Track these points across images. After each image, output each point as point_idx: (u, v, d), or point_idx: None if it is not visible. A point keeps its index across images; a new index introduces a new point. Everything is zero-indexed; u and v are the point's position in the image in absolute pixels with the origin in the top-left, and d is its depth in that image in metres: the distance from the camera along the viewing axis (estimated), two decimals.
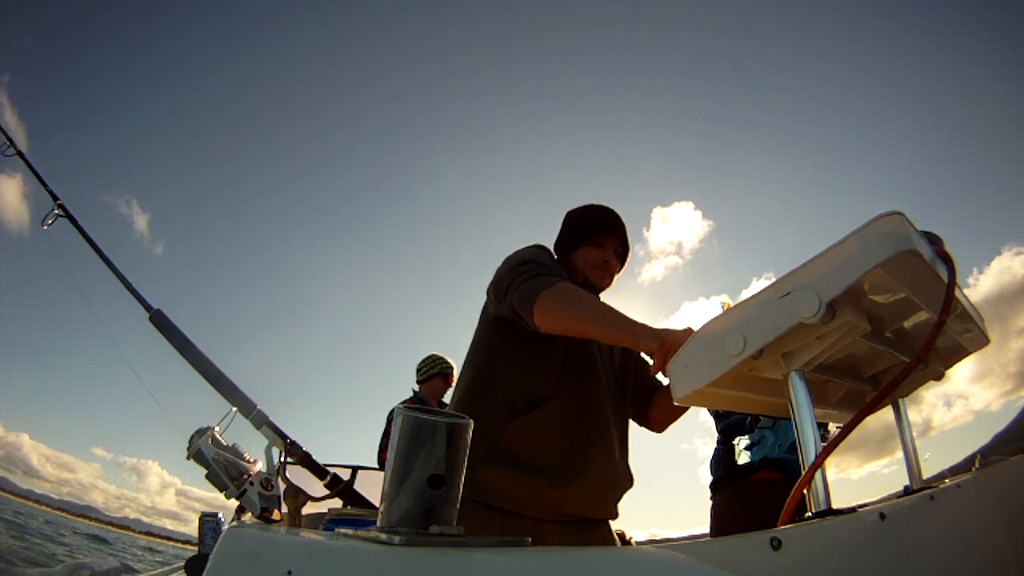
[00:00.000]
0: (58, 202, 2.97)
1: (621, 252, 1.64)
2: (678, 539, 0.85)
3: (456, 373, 3.53)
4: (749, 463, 2.24)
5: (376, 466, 3.50)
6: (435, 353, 3.53)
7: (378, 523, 0.68)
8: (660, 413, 1.59)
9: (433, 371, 3.43)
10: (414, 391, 3.46)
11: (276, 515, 2.19)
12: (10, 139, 3.11)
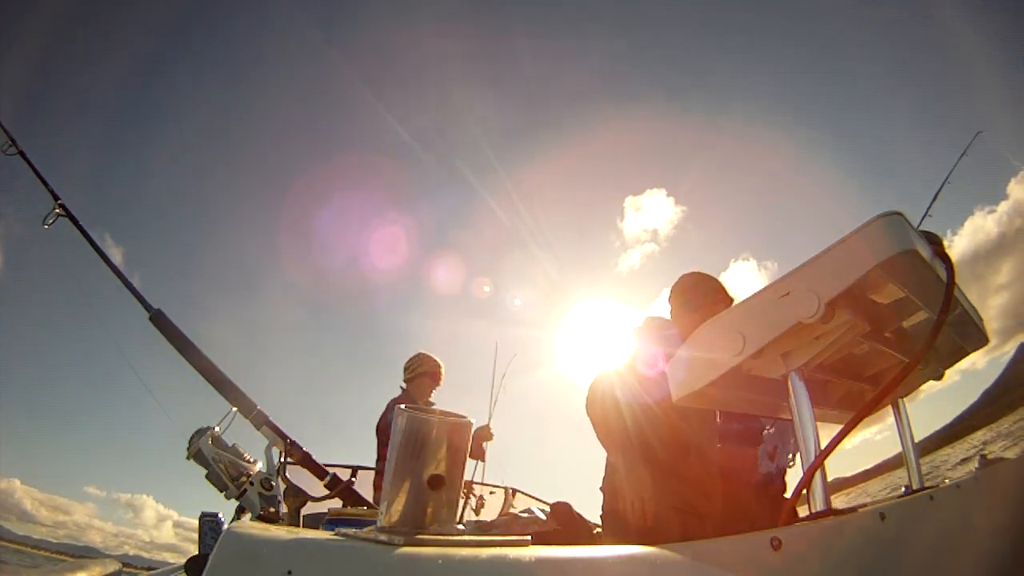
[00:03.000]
0: (59, 201, 2.96)
1: None
2: None
3: (444, 372, 3.53)
4: None
5: (376, 466, 3.49)
6: (423, 352, 3.51)
7: (378, 523, 0.68)
8: None
9: (421, 370, 3.42)
10: (402, 388, 3.45)
11: (276, 515, 2.19)
12: (11, 138, 3.09)
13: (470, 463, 3.53)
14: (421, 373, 3.41)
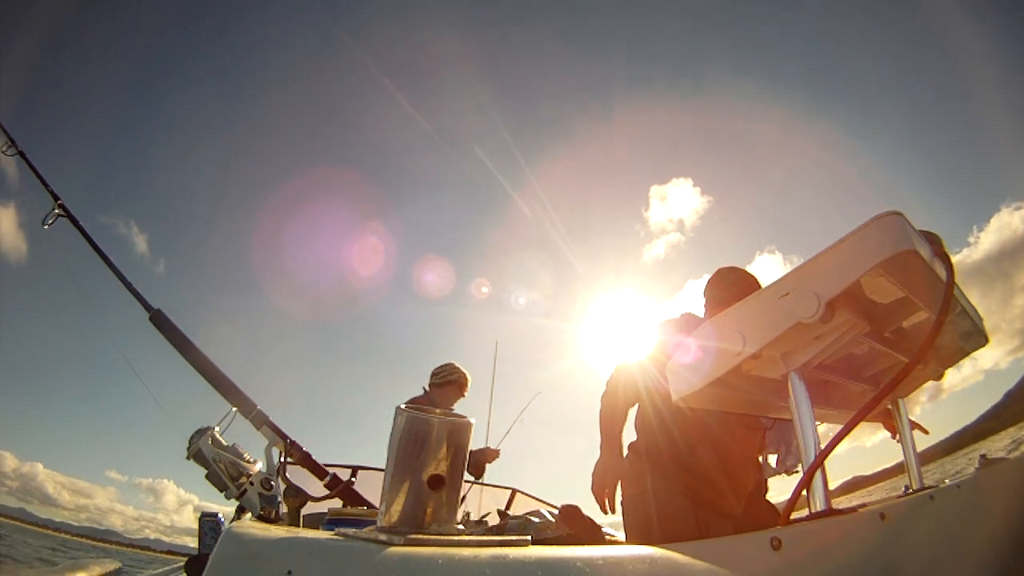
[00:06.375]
0: (59, 202, 2.96)
1: None
2: None
3: (470, 386, 3.58)
4: None
5: (376, 466, 3.49)
6: (453, 362, 3.54)
7: (378, 523, 0.68)
8: None
9: (451, 378, 3.44)
10: (425, 390, 3.46)
11: (276, 515, 2.19)
12: (11, 138, 3.09)
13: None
14: (450, 381, 3.42)
